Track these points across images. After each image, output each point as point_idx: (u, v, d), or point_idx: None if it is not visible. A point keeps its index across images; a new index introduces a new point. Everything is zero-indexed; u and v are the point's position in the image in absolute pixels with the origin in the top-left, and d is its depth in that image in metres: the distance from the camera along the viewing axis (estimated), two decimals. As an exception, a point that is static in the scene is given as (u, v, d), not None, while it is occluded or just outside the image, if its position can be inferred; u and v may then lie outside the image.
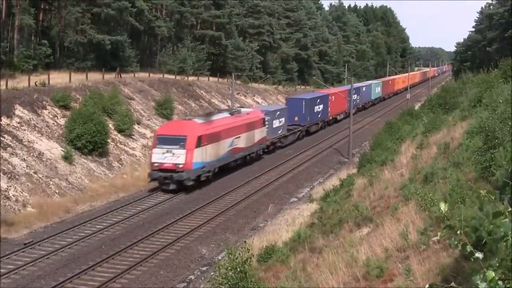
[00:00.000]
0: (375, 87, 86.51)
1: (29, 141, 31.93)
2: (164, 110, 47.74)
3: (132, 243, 23.08)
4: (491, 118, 16.72)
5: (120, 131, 39.46)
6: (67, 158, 32.25)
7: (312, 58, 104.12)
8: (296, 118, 50.55)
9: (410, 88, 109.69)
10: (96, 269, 20.33)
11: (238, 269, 13.17)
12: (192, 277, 20.34)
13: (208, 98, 60.40)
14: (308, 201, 28.78)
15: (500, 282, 3.56)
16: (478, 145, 16.77)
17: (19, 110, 34.06)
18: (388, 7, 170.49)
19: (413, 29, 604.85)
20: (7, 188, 26.56)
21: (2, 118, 31.86)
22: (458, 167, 17.15)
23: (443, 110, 33.58)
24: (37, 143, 32.32)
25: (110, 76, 49.28)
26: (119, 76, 50.76)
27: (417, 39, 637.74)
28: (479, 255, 3.73)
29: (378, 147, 32.49)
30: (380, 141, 33.75)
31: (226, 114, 37.63)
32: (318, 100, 55.87)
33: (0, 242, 18.32)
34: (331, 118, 61.74)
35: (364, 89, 78.37)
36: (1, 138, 30.03)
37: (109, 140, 36.19)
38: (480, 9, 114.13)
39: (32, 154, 30.75)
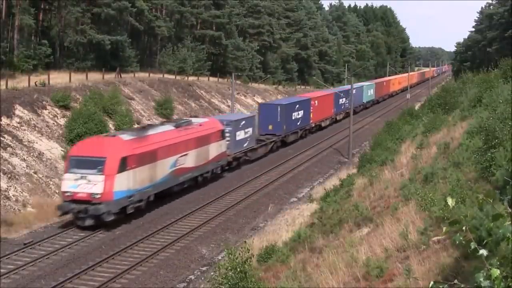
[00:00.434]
0: (367, 89, 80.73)
1: (29, 141, 31.93)
2: (164, 110, 47.77)
3: (132, 243, 23.08)
4: (491, 118, 16.72)
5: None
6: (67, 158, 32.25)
7: (312, 58, 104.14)
8: (270, 127, 44.93)
9: (403, 91, 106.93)
10: (96, 269, 20.33)
11: (238, 269, 13.17)
12: (192, 277, 20.34)
13: (208, 98, 60.41)
14: (308, 201, 28.77)
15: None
16: (478, 145, 16.77)
17: (19, 110, 34.06)
18: (388, 7, 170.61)
19: (413, 29, 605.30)
20: (7, 188, 26.56)
21: (2, 118, 31.86)
22: (458, 167, 17.15)
23: (443, 110, 33.58)
24: (37, 143, 32.31)
25: (110, 76, 49.28)
26: (119, 76, 50.76)
27: (417, 39, 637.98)
28: (483, 251, 3.72)
29: (378, 147, 32.49)
30: (380, 141, 33.75)
31: (169, 127, 30.76)
32: (297, 106, 49.71)
33: (0, 242, 18.31)
34: (313, 126, 55.44)
35: (354, 91, 74.19)
36: (1, 138, 30.02)
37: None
38: (480, 9, 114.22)
39: (32, 154, 30.74)
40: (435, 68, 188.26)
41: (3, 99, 32.99)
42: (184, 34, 71.86)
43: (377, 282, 11.54)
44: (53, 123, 35.55)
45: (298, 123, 50.10)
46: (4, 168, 27.52)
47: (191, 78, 62.71)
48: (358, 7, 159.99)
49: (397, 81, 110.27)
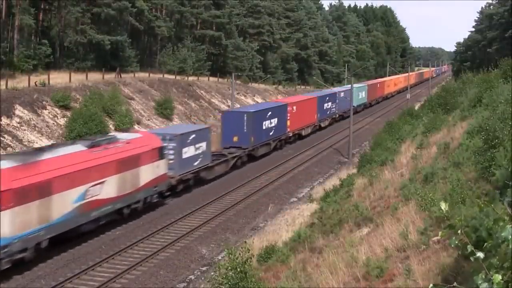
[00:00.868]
0: (358, 92, 74.41)
1: (29, 141, 31.93)
2: (164, 110, 47.81)
3: (132, 243, 23.08)
4: (491, 118, 16.73)
5: (120, 131, 39.47)
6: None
7: (312, 58, 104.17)
8: (235, 139, 38.66)
9: (401, 92, 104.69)
10: (96, 269, 20.33)
11: (238, 269, 13.17)
12: (192, 277, 20.34)
13: (208, 98, 60.41)
14: (308, 201, 28.77)
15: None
16: (478, 145, 16.77)
17: (19, 110, 34.07)
18: (388, 7, 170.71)
19: (413, 29, 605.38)
20: (7, 188, 26.50)
21: (2, 118, 31.86)
22: (458, 167, 17.16)
23: (443, 110, 33.59)
24: (37, 143, 32.31)
25: (110, 76, 49.31)
26: (119, 76, 50.79)
27: (417, 39, 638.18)
28: (480, 254, 3.72)
29: (378, 147, 32.49)
30: (380, 141, 33.75)
31: (78, 147, 23.44)
32: (270, 113, 43.10)
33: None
34: (291, 135, 48.78)
35: (342, 94, 65.75)
36: (1, 138, 30.02)
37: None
38: (480, 9, 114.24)
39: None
40: (434, 68, 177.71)
41: (3, 99, 33.00)
42: (184, 34, 71.88)
43: (377, 282, 11.54)
44: (53, 123, 35.55)
45: (271, 133, 43.48)
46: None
47: (191, 78, 62.73)
48: (358, 7, 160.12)
49: (393, 82, 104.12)
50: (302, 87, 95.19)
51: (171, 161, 29.31)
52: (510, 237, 3.60)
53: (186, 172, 31.00)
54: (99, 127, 34.54)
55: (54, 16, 58.49)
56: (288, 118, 47.32)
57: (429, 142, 25.74)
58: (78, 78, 45.14)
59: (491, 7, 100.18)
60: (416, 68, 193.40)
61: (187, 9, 70.98)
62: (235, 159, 37.72)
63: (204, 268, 21.11)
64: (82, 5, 53.19)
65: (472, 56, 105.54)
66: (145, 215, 27.28)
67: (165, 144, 28.75)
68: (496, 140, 14.59)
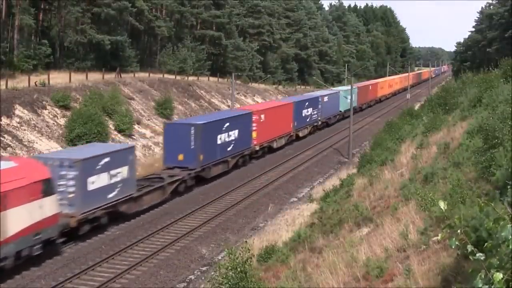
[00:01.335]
0: (346, 95, 64.93)
1: (29, 141, 31.93)
2: (164, 110, 47.82)
3: (132, 243, 23.08)
4: (491, 118, 16.73)
5: (120, 131, 39.48)
6: (67, 158, 32.24)
7: (312, 58, 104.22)
8: (180, 157, 31.87)
9: (397, 94, 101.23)
10: (96, 269, 20.34)
11: (238, 269, 13.17)
12: (192, 277, 20.34)
13: (208, 98, 60.42)
14: (308, 201, 28.77)
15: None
16: (478, 145, 16.77)
17: (19, 110, 34.07)
18: (388, 7, 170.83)
19: (413, 29, 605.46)
20: (7, 188, 26.47)
21: (2, 118, 31.86)
22: (458, 167, 17.15)
23: (443, 110, 33.58)
24: (37, 143, 32.32)
25: (110, 76, 49.31)
26: (119, 76, 50.79)
27: (417, 39, 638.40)
28: (480, 255, 3.72)
29: (378, 147, 32.48)
30: (380, 141, 33.74)
31: None
32: (227, 124, 35.77)
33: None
34: (258, 149, 41.05)
35: (326, 99, 58.14)
36: (1, 138, 30.03)
37: (109, 140, 36.21)
38: (480, 9, 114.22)
39: (32, 154, 30.74)
40: (433, 68, 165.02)
41: (3, 99, 33.00)
42: (184, 34, 71.89)
43: (377, 282, 11.53)
44: (53, 123, 35.55)
45: (229, 149, 36.16)
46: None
47: (191, 78, 62.74)
48: (358, 7, 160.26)
49: (387, 84, 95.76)
50: (302, 87, 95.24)
51: (70, 195, 22.38)
52: (510, 237, 3.60)
53: (95, 209, 23.59)
54: (99, 127, 34.53)
55: (54, 16, 58.50)
56: (254, 128, 39.72)
57: (429, 142, 25.72)
58: (78, 78, 45.14)
59: (491, 7, 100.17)
60: (416, 68, 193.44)
61: (187, 9, 70.99)
62: (176, 183, 30.15)
63: (204, 268, 21.11)
64: (82, 5, 53.19)
65: (472, 56, 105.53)
66: (145, 215, 27.28)
67: (62, 173, 22.23)
68: (496, 140, 14.59)
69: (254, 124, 39.81)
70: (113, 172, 24.69)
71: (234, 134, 36.65)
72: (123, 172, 25.30)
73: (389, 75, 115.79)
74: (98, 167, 23.76)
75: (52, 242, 21.17)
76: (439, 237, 3.95)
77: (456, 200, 12.63)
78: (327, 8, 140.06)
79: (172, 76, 59.62)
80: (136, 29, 63.53)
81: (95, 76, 47.06)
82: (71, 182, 22.47)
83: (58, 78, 43.17)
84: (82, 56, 54.92)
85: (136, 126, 42.33)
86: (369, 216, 17.68)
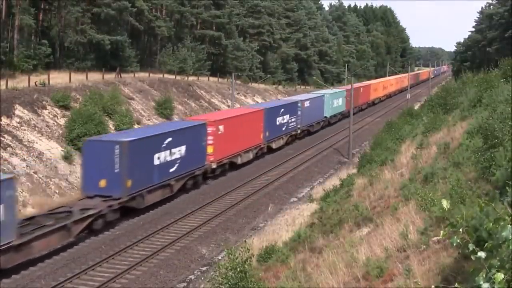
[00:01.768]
0: (332, 99, 60.38)
1: (29, 141, 31.93)
2: (164, 110, 47.82)
3: (132, 243, 23.08)
4: (491, 118, 16.72)
5: (120, 131, 39.46)
6: (67, 158, 32.28)
7: (312, 58, 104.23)
8: (102, 183, 25.13)
9: (392, 96, 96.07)
10: (96, 269, 20.34)
11: (238, 269, 13.17)
12: (192, 277, 20.34)
13: (208, 98, 60.42)
14: (308, 201, 28.77)
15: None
16: (478, 145, 16.76)
17: (19, 110, 34.06)
18: (388, 7, 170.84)
19: (413, 29, 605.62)
20: (7, 188, 26.46)
21: (2, 118, 31.86)
22: (458, 167, 17.15)
23: (443, 110, 33.58)
24: (37, 143, 32.31)
25: (110, 76, 49.31)
26: (119, 76, 50.79)
27: (417, 39, 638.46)
28: (481, 254, 3.72)
29: (378, 147, 32.49)
30: (380, 141, 33.75)
31: None
32: (169, 140, 28.81)
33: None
34: (215, 166, 34.07)
35: (307, 104, 51.55)
36: (1, 138, 30.02)
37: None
38: (480, 9, 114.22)
39: (32, 154, 30.74)
40: (432, 69, 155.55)
41: (3, 99, 32.99)
42: (184, 34, 71.90)
43: (377, 282, 11.53)
44: (53, 123, 35.54)
45: (173, 169, 29.29)
46: (4, 168, 27.51)
47: (191, 78, 62.74)
48: (358, 7, 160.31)
49: (381, 85, 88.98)
50: (302, 87, 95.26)
51: None
52: (511, 237, 3.60)
53: None
54: (99, 127, 34.53)
55: (54, 16, 58.49)
56: (211, 142, 33.29)
57: (429, 142, 25.72)
58: (78, 78, 45.13)
59: (491, 7, 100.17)
60: (416, 68, 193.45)
61: (187, 9, 70.99)
62: (88, 220, 23.35)
63: (204, 268, 21.11)
64: (82, 5, 53.18)
65: (472, 56, 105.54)
66: (145, 215, 27.27)
67: None
68: (496, 140, 14.58)
69: (210, 137, 33.15)
70: None
71: (180, 151, 29.83)
72: None
73: (389, 75, 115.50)
74: None
75: None
76: (440, 236, 3.94)
77: (456, 200, 12.63)
78: (327, 8, 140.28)
79: (172, 76, 59.62)
80: (136, 29, 63.52)
81: (95, 76, 47.05)
82: None
83: (58, 78, 43.16)
84: (82, 56, 54.91)
85: (136, 126, 42.31)
86: (369, 216, 17.68)
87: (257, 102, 66.62)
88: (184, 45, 68.44)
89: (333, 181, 31.42)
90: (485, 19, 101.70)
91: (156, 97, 50.18)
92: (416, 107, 55.06)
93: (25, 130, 32.82)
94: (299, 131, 50.10)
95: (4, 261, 19.18)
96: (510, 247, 3.61)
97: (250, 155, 39.67)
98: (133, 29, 63.32)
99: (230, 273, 13.25)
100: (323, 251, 15.68)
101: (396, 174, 23.00)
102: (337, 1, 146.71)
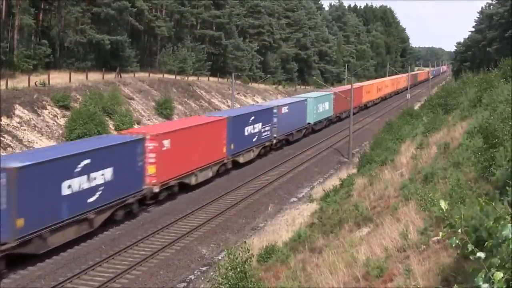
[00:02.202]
0: (317, 104, 53.90)
1: (29, 141, 31.93)
2: (164, 110, 47.85)
3: (132, 243, 23.08)
4: (491, 118, 16.72)
5: (120, 131, 39.48)
6: (67, 158, 32.24)
7: (312, 58, 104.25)
8: None
9: (386, 99, 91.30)
10: (96, 269, 20.33)
11: (238, 269, 13.17)
12: (192, 277, 20.34)
13: (208, 98, 60.43)
14: (308, 201, 28.77)
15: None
16: (478, 145, 16.76)
17: (19, 110, 34.07)
18: (388, 7, 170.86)
19: (413, 29, 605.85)
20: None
21: (2, 118, 31.86)
22: (458, 167, 17.15)
23: (443, 110, 33.60)
24: (37, 143, 32.31)
25: (110, 76, 49.32)
26: (119, 76, 50.81)
27: (417, 39, 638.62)
28: (480, 254, 3.72)
29: (378, 147, 32.49)
30: (380, 141, 33.75)
31: None
32: (86, 163, 22.46)
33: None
34: (158, 191, 27.82)
35: (286, 110, 45.32)
36: (1, 138, 30.02)
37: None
38: (480, 9, 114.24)
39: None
40: (431, 69, 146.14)
41: (3, 99, 33.00)
42: (184, 34, 71.92)
43: (377, 282, 11.53)
44: (53, 123, 35.56)
45: (93, 199, 23.06)
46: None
47: (191, 78, 62.75)
48: (358, 7, 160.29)
49: (375, 87, 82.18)
50: (302, 87, 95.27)
51: None
52: (511, 236, 3.60)
53: None
54: (99, 127, 34.54)
55: (54, 16, 58.50)
56: (152, 161, 27.23)
57: (429, 142, 25.73)
58: (78, 78, 45.15)
59: (491, 7, 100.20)
60: (416, 68, 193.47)
61: (187, 9, 71.00)
62: None
63: (204, 268, 21.11)
64: (82, 5, 53.21)
65: (472, 56, 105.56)
66: (145, 215, 27.27)
67: None
68: (496, 140, 14.58)
69: (151, 155, 27.15)
70: None
71: (104, 175, 23.72)
72: None
73: (389, 75, 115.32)
74: None
75: None
76: (440, 236, 3.95)
77: (456, 200, 12.63)
78: (327, 8, 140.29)
79: (172, 76, 59.63)
80: (136, 29, 63.53)
81: (95, 76, 47.07)
82: None
83: (58, 78, 43.18)
84: (82, 56, 54.92)
85: (136, 126, 42.33)
86: (369, 216, 17.68)
87: (257, 102, 66.60)
88: (184, 45, 68.46)
89: (333, 181, 31.41)
90: (485, 19, 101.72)
91: (156, 97, 50.19)
92: (416, 107, 55.01)
93: (25, 130, 32.82)
94: (274, 141, 43.85)
95: None
96: (510, 246, 3.61)
97: (209, 173, 33.39)
98: (133, 29, 63.33)
99: (230, 273, 13.25)
100: (323, 251, 15.68)
101: (396, 174, 23.00)
102: (337, 1, 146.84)
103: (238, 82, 70.09)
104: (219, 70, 74.22)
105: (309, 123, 52.51)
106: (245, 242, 18.70)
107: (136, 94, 48.95)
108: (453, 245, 3.86)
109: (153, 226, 25.62)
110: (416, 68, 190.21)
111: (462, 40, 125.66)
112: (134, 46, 63.00)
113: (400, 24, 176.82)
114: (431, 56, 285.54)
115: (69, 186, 21.61)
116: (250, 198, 31.41)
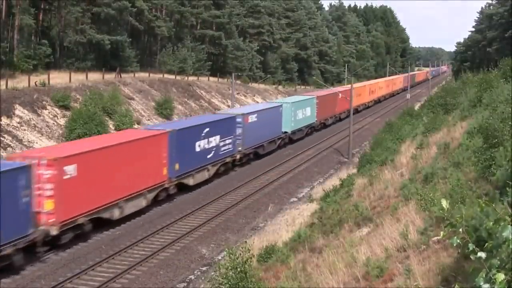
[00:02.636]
0: (295, 110, 46.96)
1: (29, 141, 31.92)
2: (164, 110, 47.84)
3: (132, 243, 23.08)
4: (491, 118, 16.72)
5: (120, 131, 39.48)
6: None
7: (312, 58, 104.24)
8: None
9: (380, 102, 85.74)
10: (96, 269, 20.33)
11: (238, 269, 13.17)
12: (192, 277, 20.34)
13: (208, 98, 60.42)
14: (308, 201, 28.77)
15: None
16: (478, 145, 16.76)
17: (19, 110, 34.07)
18: (388, 7, 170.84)
19: (413, 29, 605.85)
20: (7, 188, 26.40)
21: (2, 118, 31.86)
22: (458, 167, 17.15)
23: (443, 110, 33.60)
24: (37, 143, 32.31)
25: (110, 76, 49.32)
26: (119, 76, 50.80)
27: (417, 39, 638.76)
28: (481, 254, 3.72)
29: (378, 147, 32.49)
30: (380, 141, 33.75)
31: None
32: None
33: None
34: (57, 233, 21.01)
35: (254, 118, 38.84)
36: (1, 138, 30.02)
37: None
38: (480, 9, 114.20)
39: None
40: (431, 69, 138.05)
41: (3, 99, 33.00)
42: (184, 34, 71.91)
43: (377, 282, 11.53)
44: (53, 123, 35.55)
45: None
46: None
47: (191, 78, 62.75)
48: (358, 7, 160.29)
49: (367, 89, 74.42)
50: (302, 87, 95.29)
51: None
52: (511, 237, 3.60)
53: None
54: (99, 127, 34.54)
55: (54, 16, 58.50)
56: (49, 194, 20.71)
57: (429, 142, 25.73)
58: (78, 78, 45.15)
59: (491, 7, 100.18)
60: (416, 68, 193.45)
61: (187, 9, 71.00)
62: None
63: (204, 268, 21.11)
64: (82, 5, 53.20)
65: (472, 56, 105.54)
66: (145, 215, 27.27)
67: None
68: (496, 140, 14.58)
69: (48, 185, 20.61)
70: None
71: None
72: None
73: (389, 75, 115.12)
74: None
75: None
76: (440, 236, 3.94)
77: (456, 200, 12.63)
78: (327, 8, 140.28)
79: (172, 76, 59.62)
80: (136, 29, 63.52)
81: (95, 76, 47.06)
82: None
83: (58, 78, 43.18)
84: (82, 56, 54.92)
85: (136, 126, 42.33)
86: (369, 216, 17.68)
87: (257, 102, 66.60)
88: (184, 45, 68.45)
89: (333, 181, 31.40)
90: (485, 19, 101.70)
91: (156, 97, 50.18)
92: (416, 107, 55.03)
93: (25, 130, 32.82)
94: (238, 156, 37.25)
95: None
96: (511, 247, 3.61)
97: (143, 202, 26.73)
98: (133, 29, 63.32)
99: (231, 273, 13.25)
100: (323, 251, 15.68)
101: (396, 174, 23.00)
102: (337, 1, 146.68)
103: (238, 82, 70.08)
104: (219, 70, 74.22)
105: (285, 132, 45.79)
106: (245, 242, 18.71)
107: (136, 94, 48.95)
108: (454, 245, 3.85)
109: (153, 226, 25.62)
110: (416, 68, 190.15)
111: (462, 40, 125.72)
112: (134, 46, 63.00)
113: (400, 24, 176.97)
114: (431, 56, 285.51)
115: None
116: (250, 198, 31.40)
